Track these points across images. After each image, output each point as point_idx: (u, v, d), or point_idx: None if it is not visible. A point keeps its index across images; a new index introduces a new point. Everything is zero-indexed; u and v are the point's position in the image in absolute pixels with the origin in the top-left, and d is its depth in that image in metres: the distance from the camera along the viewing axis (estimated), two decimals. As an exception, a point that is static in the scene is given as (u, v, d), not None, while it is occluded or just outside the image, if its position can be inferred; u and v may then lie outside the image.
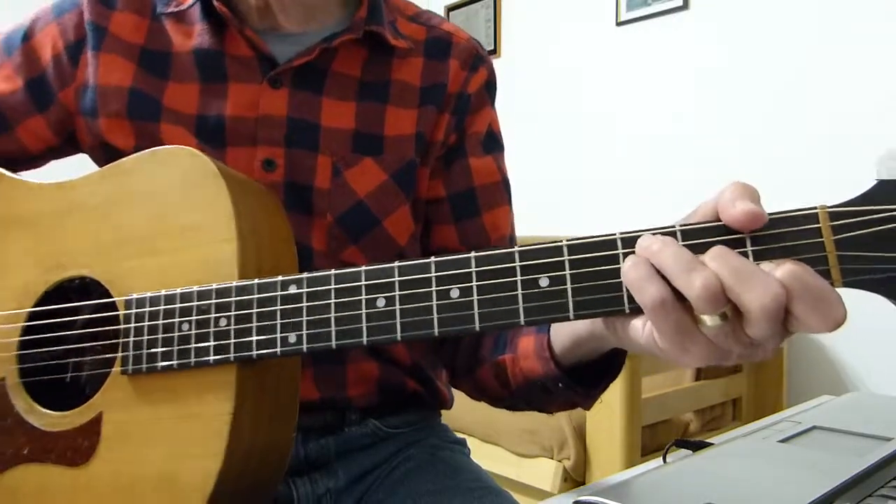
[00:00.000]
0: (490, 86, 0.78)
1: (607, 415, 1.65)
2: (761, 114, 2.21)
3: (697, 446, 0.61)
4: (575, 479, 1.74)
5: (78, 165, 0.73)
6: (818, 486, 0.45)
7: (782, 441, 0.59)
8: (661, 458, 0.59)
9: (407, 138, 0.70)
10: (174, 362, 0.51)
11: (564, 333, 0.55)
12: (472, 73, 0.75)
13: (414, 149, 0.71)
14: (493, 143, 0.77)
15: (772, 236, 0.39)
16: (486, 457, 1.84)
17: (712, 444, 0.60)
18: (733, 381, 2.05)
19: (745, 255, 0.38)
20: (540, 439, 1.79)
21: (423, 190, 0.73)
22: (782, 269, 0.36)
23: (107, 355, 0.55)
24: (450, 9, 3.20)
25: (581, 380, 0.57)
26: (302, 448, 0.67)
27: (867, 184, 0.39)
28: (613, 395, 1.62)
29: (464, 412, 0.75)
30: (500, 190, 0.76)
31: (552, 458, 1.78)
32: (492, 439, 1.91)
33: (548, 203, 2.71)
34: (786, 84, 2.16)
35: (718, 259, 0.37)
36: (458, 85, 0.74)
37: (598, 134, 2.65)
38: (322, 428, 0.68)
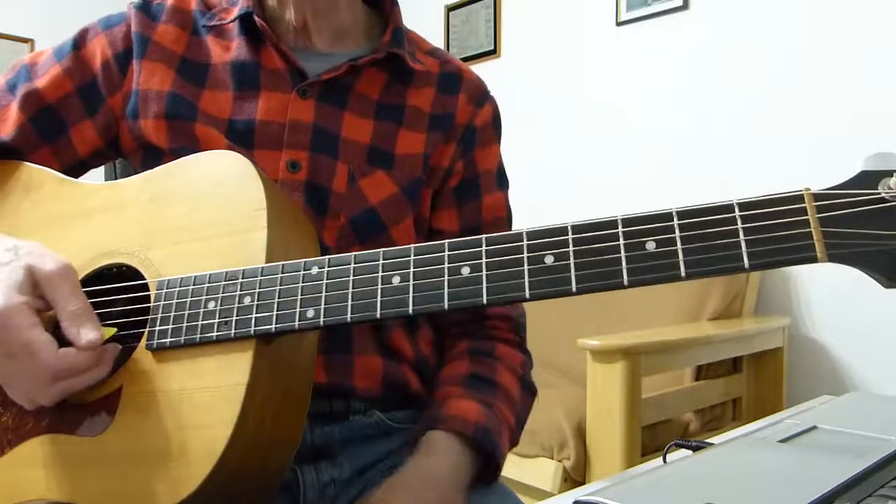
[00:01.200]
0: (496, 122, 0.84)
1: (607, 415, 1.65)
2: (760, 114, 2.21)
3: (697, 446, 0.61)
4: (575, 479, 1.74)
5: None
6: (818, 486, 0.45)
7: (782, 441, 0.58)
8: (661, 458, 0.60)
9: (415, 157, 0.76)
10: (197, 336, 0.54)
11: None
12: (479, 109, 0.81)
13: (421, 168, 0.76)
14: (502, 179, 0.84)
15: (763, 214, 0.43)
16: (486, 457, 1.84)
17: (712, 444, 0.60)
18: (733, 381, 2.06)
19: (735, 231, 0.43)
20: (540, 439, 1.79)
21: (426, 209, 0.78)
22: None
23: (136, 330, 0.58)
24: (450, 9, 3.20)
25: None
26: (308, 433, 0.69)
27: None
28: (613, 395, 1.62)
29: (464, 412, 0.75)
30: (504, 225, 0.82)
31: (552, 458, 1.78)
32: (492, 439, 1.91)
33: (548, 203, 2.71)
34: (785, 84, 2.16)
35: None
36: (466, 117, 0.80)
37: (598, 134, 2.65)
38: (328, 415, 0.70)
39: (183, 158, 0.64)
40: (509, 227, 0.83)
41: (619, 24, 2.59)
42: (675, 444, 0.64)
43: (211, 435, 0.51)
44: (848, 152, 2.00)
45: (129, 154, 0.76)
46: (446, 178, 0.79)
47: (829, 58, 2.07)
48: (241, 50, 0.74)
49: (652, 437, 1.76)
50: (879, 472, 0.50)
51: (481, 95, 0.83)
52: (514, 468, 1.85)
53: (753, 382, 2.10)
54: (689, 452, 0.60)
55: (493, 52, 3.04)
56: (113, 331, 0.57)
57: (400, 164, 0.75)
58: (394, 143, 0.75)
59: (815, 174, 2.07)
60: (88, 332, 0.52)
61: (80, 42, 0.75)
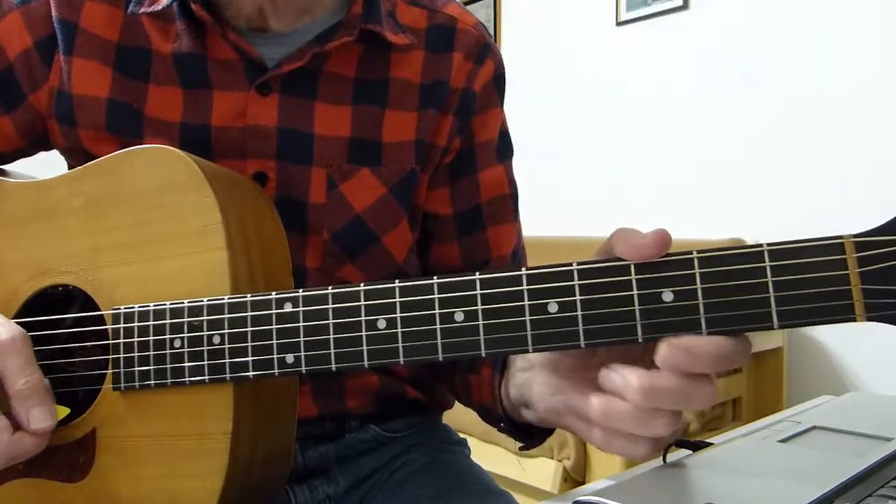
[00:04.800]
0: (499, 80, 0.72)
1: (607, 415, 1.65)
2: (761, 114, 2.21)
3: (697, 446, 0.61)
4: (575, 479, 1.74)
5: (45, 158, 0.71)
6: (818, 486, 0.45)
7: (782, 441, 0.58)
8: (660, 458, 0.59)
9: (406, 145, 0.66)
10: (168, 381, 0.50)
11: (510, 393, 0.56)
12: (478, 67, 0.69)
13: (414, 157, 0.66)
14: (505, 147, 0.73)
15: (794, 266, 0.38)
16: (487, 457, 1.84)
17: (712, 444, 0.60)
18: (733, 381, 2.05)
19: (764, 285, 0.38)
20: (540, 439, 1.79)
21: (422, 196, 0.69)
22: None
23: (96, 371, 0.54)
24: (450, 9, 3.20)
25: (519, 428, 0.59)
26: (301, 456, 0.66)
27: (871, 189, 0.39)
28: (613, 395, 1.62)
29: (464, 412, 0.75)
30: (507, 204, 0.73)
31: (552, 458, 1.78)
32: (492, 439, 1.91)
33: (547, 204, 2.71)
34: (785, 84, 2.16)
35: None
36: (463, 80, 0.68)
37: (598, 134, 2.65)
38: (321, 437, 0.68)
39: (115, 155, 0.55)
40: (515, 207, 0.74)
41: (619, 24, 2.59)
42: (675, 444, 0.64)
43: (203, 486, 0.49)
44: (849, 152, 2.00)
45: (65, 152, 0.67)
46: (443, 157, 0.69)
47: (828, 57, 2.06)
48: (184, 39, 0.62)
49: (652, 437, 1.76)
50: (879, 472, 0.50)
51: (481, 49, 0.69)
52: (514, 468, 1.85)
53: (753, 382, 2.09)
54: (689, 452, 0.60)
55: (493, 52, 3.04)
56: (67, 411, 0.52)
57: (389, 156, 0.65)
58: (379, 129, 0.65)
59: (815, 173, 2.07)
60: (39, 418, 0.48)
61: None
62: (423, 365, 0.74)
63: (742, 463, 0.54)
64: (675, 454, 0.61)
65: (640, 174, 2.51)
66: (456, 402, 0.79)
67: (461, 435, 0.80)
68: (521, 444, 0.63)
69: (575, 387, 0.46)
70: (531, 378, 0.52)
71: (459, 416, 0.78)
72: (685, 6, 2.40)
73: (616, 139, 2.59)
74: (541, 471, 1.79)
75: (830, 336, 2.11)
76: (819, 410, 0.70)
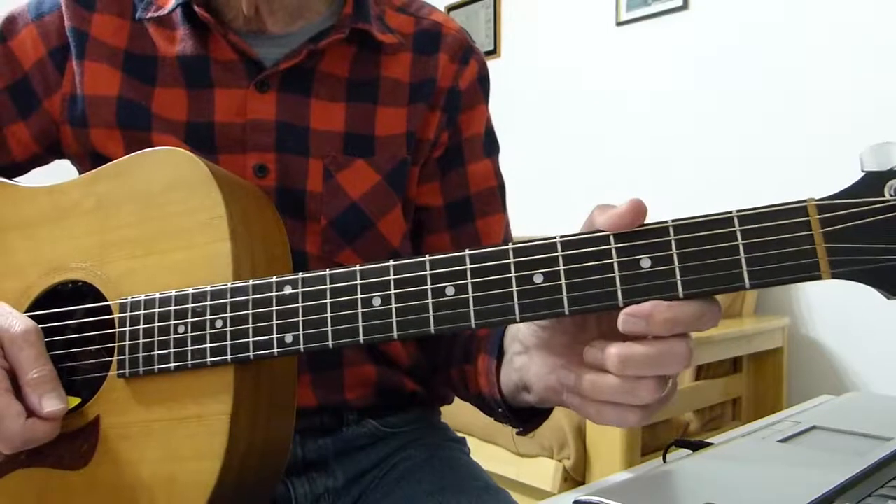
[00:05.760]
0: (483, 80, 0.76)
1: (607, 415, 1.65)
2: (760, 114, 2.21)
3: (697, 446, 0.61)
4: (575, 478, 1.74)
5: (57, 169, 0.72)
6: (818, 486, 0.45)
7: (782, 441, 0.59)
8: (661, 457, 0.59)
9: (398, 137, 0.69)
10: (171, 364, 0.51)
11: (509, 377, 0.57)
12: (463, 67, 0.73)
13: (405, 148, 0.70)
14: (491, 143, 0.76)
15: (764, 229, 0.40)
16: (486, 456, 1.84)
17: (712, 444, 0.60)
18: (733, 381, 2.06)
19: (735, 248, 0.40)
20: (540, 439, 1.79)
21: (413, 190, 0.72)
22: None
23: (102, 359, 0.55)
24: (450, 9, 3.20)
25: (517, 412, 0.61)
26: (300, 449, 0.67)
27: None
28: (613, 395, 1.62)
29: (464, 411, 0.75)
30: (495, 196, 0.76)
31: (552, 458, 1.78)
32: (491, 439, 1.91)
33: (547, 203, 2.71)
34: (785, 84, 2.16)
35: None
36: (449, 79, 0.72)
37: (598, 134, 2.65)
38: (320, 429, 0.68)
39: (126, 158, 0.58)
40: (503, 199, 0.77)
41: (619, 24, 2.59)
42: (675, 444, 0.64)
43: (201, 467, 0.50)
44: (848, 152, 2.00)
45: (75, 159, 0.70)
46: (431, 151, 0.72)
47: (828, 57, 2.07)
48: (187, 42, 0.66)
49: (652, 437, 1.76)
50: (879, 472, 0.50)
51: (465, 51, 0.74)
52: (513, 468, 1.85)
53: (753, 382, 2.10)
54: (689, 452, 0.60)
55: (493, 52, 3.04)
56: (77, 400, 0.54)
57: (382, 149, 0.69)
58: (372, 125, 0.69)
59: (814, 174, 2.07)
60: (51, 403, 0.50)
61: (7, 32, 0.68)
62: (422, 354, 0.75)
63: (742, 463, 0.54)
64: (675, 454, 0.61)
65: (639, 174, 2.51)
66: (455, 399, 0.79)
67: (461, 434, 0.80)
68: (518, 430, 0.64)
69: (568, 365, 0.48)
70: (528, 361, 0.53)
71: (459, 416, 0.78)
72: (685, 6, 2.40)
73: (615, 139, 2.59)
74: (541, 471, 1.79)
75: (830, 336, 2.11)
76: (819, 410, 0.70)
